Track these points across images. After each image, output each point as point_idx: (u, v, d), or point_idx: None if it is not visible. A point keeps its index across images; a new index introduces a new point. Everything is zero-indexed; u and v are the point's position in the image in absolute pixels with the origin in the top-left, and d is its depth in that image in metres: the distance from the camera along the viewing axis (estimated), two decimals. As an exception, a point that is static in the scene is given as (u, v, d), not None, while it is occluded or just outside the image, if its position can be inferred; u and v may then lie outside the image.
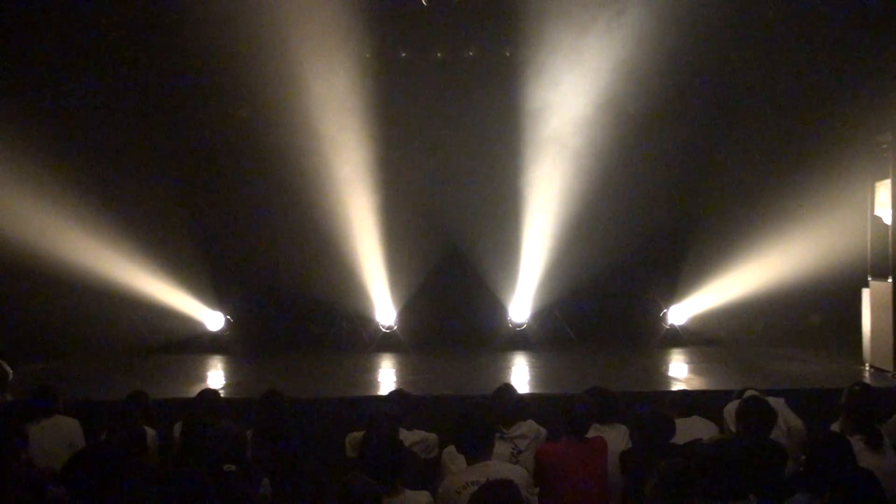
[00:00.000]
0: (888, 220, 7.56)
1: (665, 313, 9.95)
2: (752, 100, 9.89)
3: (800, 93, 9.68)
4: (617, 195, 9.52)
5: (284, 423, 4.33)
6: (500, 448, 4.34)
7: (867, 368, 7.70)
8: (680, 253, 10.02)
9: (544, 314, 9.94)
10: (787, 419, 4.77)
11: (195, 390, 5.61)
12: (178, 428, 4.84)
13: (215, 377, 7.93)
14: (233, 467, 3.58)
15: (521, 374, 7.98)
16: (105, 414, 5.05)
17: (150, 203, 9.39)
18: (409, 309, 9.80)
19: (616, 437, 4.66)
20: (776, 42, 9.36)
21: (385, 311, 9.57)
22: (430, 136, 9.75)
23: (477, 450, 4.01)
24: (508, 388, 5.05)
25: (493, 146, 9.74)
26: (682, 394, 5.31)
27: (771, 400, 4.88)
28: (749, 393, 4.82)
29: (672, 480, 3.38)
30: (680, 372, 8.14)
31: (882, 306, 7.51)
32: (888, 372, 7.35)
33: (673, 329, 9.89)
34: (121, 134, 9.49)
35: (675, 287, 9.93)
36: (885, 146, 7.59)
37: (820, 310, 9.85)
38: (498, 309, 9.90)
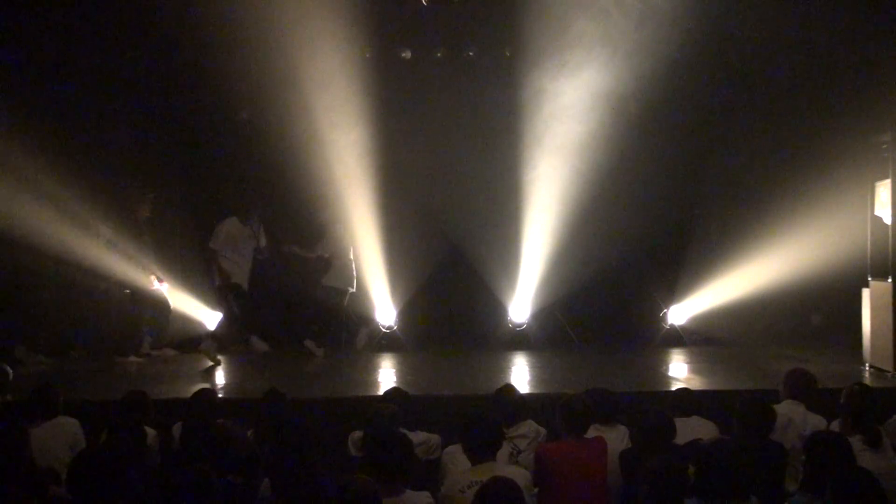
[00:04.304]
0: (888, 220, 7.56)
1: (665, 313, 9.94)
2: (752, 100, 9.89)
3: (800, 93, 9.69)
4: (617, 195, 9.52)
5: (284, 423, 4.33)
6: (501, 448, 4.35)
7: (867, 368, 7.70)
8: (680, 253, 10.02)
9: (544, 314, 9.94)
10: (811, 422, 4.76)
11: (195, 390, 5.61)
12: (178, 428, 4.85)
13: (215, 377, 7.92)
14: (239, 480, 3.59)
15: (521, 374, 7.98)
16: (105, 414, 5.06)
17: (149, 203, 9.36)
18: (410, 309, 9.80)
19: (616, 437, 4.68)
20: (776, 41, 9.36)
21: (385, 311, 9.57)
22: (430, 135, 9.74)
23: (484, 450, 4.01)
24: (510, 389, 5.07)
25: (493, 146, 9.74)
26: (683, 394, 5.31)
27: (788, 403, 4.89)
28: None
29: (662, 479, 3.40)
30: (680, 372, 8.14)
31: (882, 306, 7.51)
32: (888, 372, 7.35)
33: (673, 329, 9.88)
34: (121, 134, 9.50)
35: (675, 287, 9.92)
36: (885, 146, 7.59)
37: (820, 310, 9.85)
38: (498, 309, 9.90)
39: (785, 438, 4.52)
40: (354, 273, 9.32)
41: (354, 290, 9.34)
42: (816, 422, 4.75)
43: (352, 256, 9.33)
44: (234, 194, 8.99)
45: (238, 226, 8.44)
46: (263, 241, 8.65)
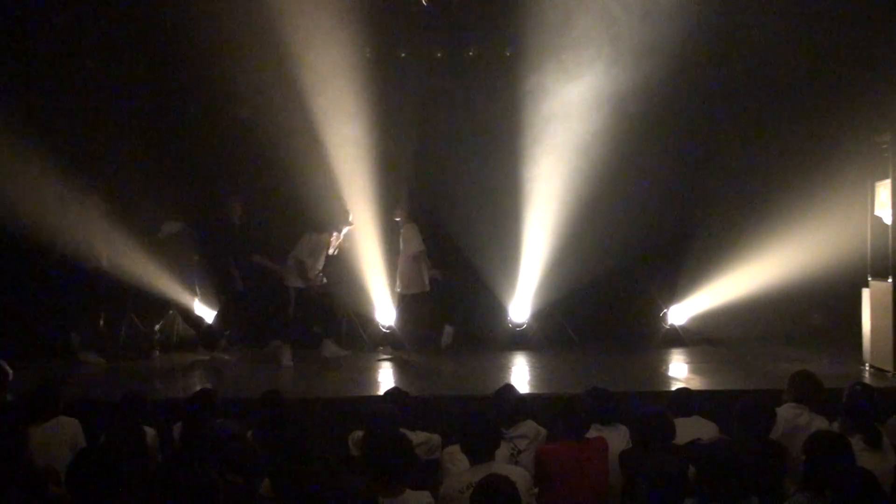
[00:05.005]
0: (888, 220, 7.56)
1: (665, 313, 9.94)
2: (752, 100, 9.89)
3: (800, 93, 9.69)
4: (618, 195, 9.51)
5: (284, 423, 4.33)
6: (501, 448, 4.35)
7: (867, 368, 7.70)
8: (680, 253, 10.01)
9: (544, 314, 9.94)
10: (815, 425, 4.74)
11: (195, 390, 5.60)
12: (178, 428, 4.85)
13: (215, 377, 7.92)
14: (239, 480, 3.59)
15: (521, 374, 7.98)
16: (105, 414, 5.06)
17: (148, 201, 9.36)
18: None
19: (616, 438, 4.68)
20: (776, 42, 9.36)
21: (385, 311, 9.56)
22: (429, 135, 9.74)
23: (482, 450, 4.02)
24: (509, 389, 5.07)
25: (493, 145, 9.74)
26: (683, 394, 5.30)
27: (791, 407, 4.87)
28: None
29: (662, 479, 3.41)
30: (680, 372, 8.14)
31: (882, 306, 7.51)
32: (888, 372, 7.35)
33: (673, 329, 9.88)
34: (120, 134, 9.48)
35: (675, 287, 9.92)
36: (885, 146, 7.59)
37: (820, 310, 9.85)
38: (498, 309, 9.90)
39: (792, 446, 4.50)
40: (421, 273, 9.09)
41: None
42: (821, 424, 4.73)
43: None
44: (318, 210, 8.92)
45: (318, 238, 8.62)
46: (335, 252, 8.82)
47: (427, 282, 9.12)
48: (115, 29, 9.14)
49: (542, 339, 9.74)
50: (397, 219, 9.24)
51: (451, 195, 9.75)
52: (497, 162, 9.69)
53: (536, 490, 4.21)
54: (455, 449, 4.42)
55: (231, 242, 8.79)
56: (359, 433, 4.80)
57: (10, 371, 5.80)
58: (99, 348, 8.48)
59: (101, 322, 8.73)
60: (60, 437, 4.73)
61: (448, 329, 9.20)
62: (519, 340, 9.65)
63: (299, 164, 9.32)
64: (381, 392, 5.52)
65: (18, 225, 8.23)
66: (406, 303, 9.19)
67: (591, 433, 4.55)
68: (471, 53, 9.85)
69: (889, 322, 7.35)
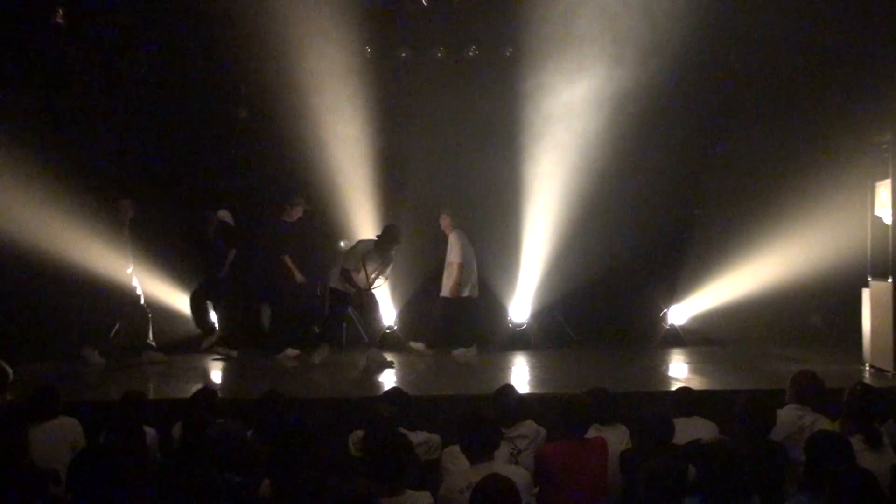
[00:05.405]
0: (888, 220, 7.56)
1: (665, 313, 9.94)
2: (752, 100, 9.89)
3: (800, 93, 9.69)
4: (617, 195, 9.52)
5: (284, 423, 4.33)
6: (501, 448, 4.35)
7: (867, 368, 7.70)
8: (680, 253, 10.02)
9: (544, 314, 9.94)
10: (820, 426, 4.73)
11: (195, 390, 5.61)
12: (178, 428, 4.85)
13: (215, 377, 7.93)
14: (239, 479, 3.59)
15: (521, 374, 7.98)
16: (105, 414, 5.06)
17: (148, 201, 9.36)
18: (409, 309, 9.79)
19: (616, 438, 4.68)
20: (776, 41, 9.36)
21: (385, 310, 9.55)
22: (430, 135, 9.74)
23: (482, 450, 4.02)
24: (509, 389, 5.07)
25: (493, 145, 9.74)
26: (683, 393, 5.30)
27: (794, 409, 4.86)
28: None
29: (662, 479, 3.41)
30: (680, 372, 8.14)
31: (882, 306, 7.51)
32: (888, 372, 7.35)
33: (673, 329, 9.88)
34: (120, 133, 9.50)
35: (675, 287, 9.92)
36: (885, 146, 7.59)
37: (820, 310, 9.85)
38: (498, 309, 9.90)
39: (797, 447, 4.48)
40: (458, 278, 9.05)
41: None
42: (825, 424, 4.72)
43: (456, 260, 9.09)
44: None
45: (370, 247, 8.42)
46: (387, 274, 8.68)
47: (463, 291, 9.05)
48: (115, 29, 9.15)
49: (542, 339, 9.73)
50: (443, 229, 9.22)
51: (450, 195, 9.74)
52: (497, 162, 9.69)
53: (536, 490, 4.21)
54: (455, 449, 4.42)
55: (286, 240, 8.82)
56: (359, 433, 4.80)
57: (11, 371, 5.80)
58: (99, 348, 8.48)
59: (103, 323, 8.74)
60: (60, 437, 4.73)
61: (474, 349, 9.02)
62: (519, 340, 9.65)
63: (296, 162, 9.33)
64: (381, 392, 5.52)
65: (21, 227, 8.23)
66: (440, 304, 9.20)
67: (591, 433, 4.55)
68: (471, 53, 9.85)
69: (889, 322, 7.35)
